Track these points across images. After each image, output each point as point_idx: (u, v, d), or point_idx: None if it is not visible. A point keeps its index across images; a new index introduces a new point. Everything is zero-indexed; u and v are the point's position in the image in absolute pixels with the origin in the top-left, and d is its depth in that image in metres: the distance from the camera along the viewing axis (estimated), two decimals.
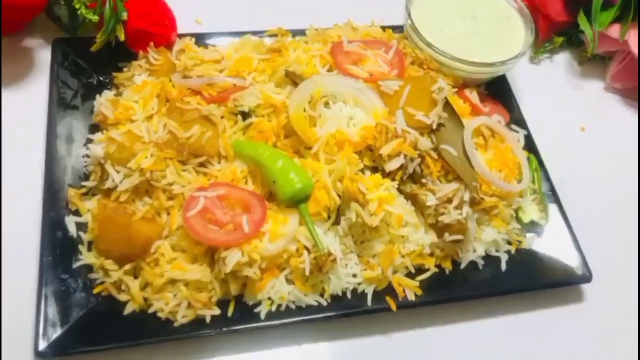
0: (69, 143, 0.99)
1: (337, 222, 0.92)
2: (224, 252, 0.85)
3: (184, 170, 0.93)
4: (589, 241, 1.01)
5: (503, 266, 0.99)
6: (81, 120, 1.02)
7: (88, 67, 1.08)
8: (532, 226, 1.03)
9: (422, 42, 1.09)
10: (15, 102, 1.05)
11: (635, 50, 1.21)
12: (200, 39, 1.13)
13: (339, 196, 0.91)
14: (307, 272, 0.87)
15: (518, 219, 1.02)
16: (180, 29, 1.13)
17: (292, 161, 0.92)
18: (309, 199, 0.90)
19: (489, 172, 0.98)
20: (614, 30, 1.24)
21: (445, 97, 1.01)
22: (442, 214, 0.94)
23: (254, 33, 1.15)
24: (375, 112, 0.97)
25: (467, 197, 0.94)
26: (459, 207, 0.94)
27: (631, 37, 1.22)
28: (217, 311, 0.87)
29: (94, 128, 1.01)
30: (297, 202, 0.89)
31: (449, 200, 0.94)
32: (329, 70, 1.05)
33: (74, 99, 1.04)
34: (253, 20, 1.21)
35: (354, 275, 0.92)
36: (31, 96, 1.06)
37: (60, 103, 1.01)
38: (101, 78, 1.08)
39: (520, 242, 1.02)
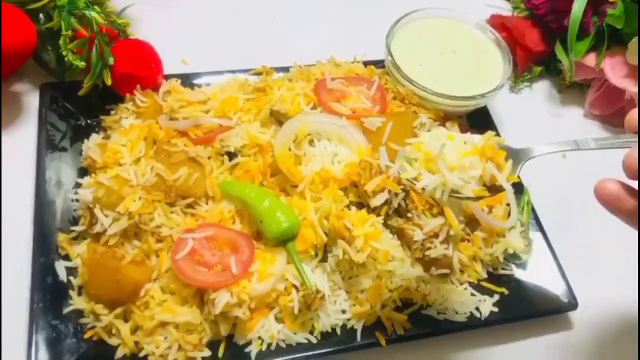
0: (58, 187, 0.99)
1: (324, 259, 0.93)
2: (213, 294, 0.85)
3: (172, 212, 0.94)
4: (572, 269, 1.03)
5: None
6: (70, 163, 1.03)
7: (76, 111, 1.09)
8: (517, 257, 1.04)
9: (403, 77, 1.11)
10: (4, 146, 1.06)
11: (611, 78, 1.24)
12: (186, 79, 1.15)
13: (325, 234, 0.93)
14: (296, 311, 0.88)
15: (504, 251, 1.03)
16: (167, 70, 1.14)
17: (278, 200, 0.93)
18: (296, 238, 0.91)
19: (481, 210, 1.00)
20: (590, 59, 1.27)
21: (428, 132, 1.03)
22: (429, 248, 0.95)
23: (241, 71, 1.18)
24: (359, 149, 0.99)
25: (452, 231, 0.96)
26: (445, 241, 0.95)
27: (606, 65, 1.26)
28: (207, 352, 0.87)
29: (83, 171, 1.02)
30: (284, 241, 0.91)
31: (435, 235, 0.95)
32: (313, 107, 1.07)
33: (63, 142, 1.05)
34: (239, 58, 1.23)
35: (343, 312, 0.93)
36: (20, 141, 1.07)
37: (48, 147, 1.02)
38: (89, 121, 1.10)
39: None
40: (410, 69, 1.12)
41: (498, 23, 1.37)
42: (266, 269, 0.88)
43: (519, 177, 0.91)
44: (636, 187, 0.73)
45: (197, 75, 1.17)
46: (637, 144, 0.70)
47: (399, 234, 0.97)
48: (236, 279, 0.86)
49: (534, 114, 1.35)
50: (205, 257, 0.88)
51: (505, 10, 1.46)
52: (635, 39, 1.20)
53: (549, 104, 1.37)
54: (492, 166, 0.76)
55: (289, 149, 0.98)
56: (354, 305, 0.93)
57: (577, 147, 0.79)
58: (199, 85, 1.14)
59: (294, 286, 0.90)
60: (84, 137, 1.05)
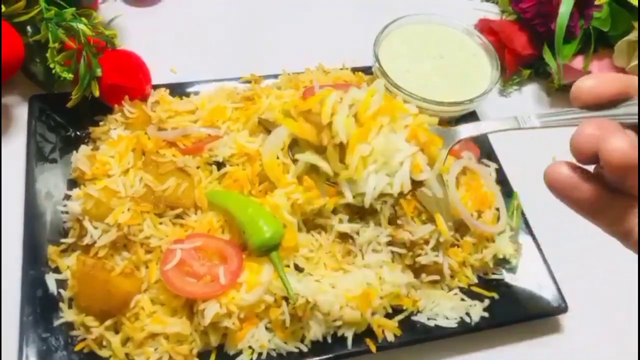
0: (48, 199, 0.99)
1: None
2: (202, 305, 0.85)
3: (160, 223, 0.94)
4: (563, 272, 1.03)
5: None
6: (60, 175, 1.04)
7: (65, 122, 1.10)
8: (507, 262, 1.04)
9: (390, 84, 1.11)
10: None
11: None
12: (175, 88, 1.15)
13: None
14: (288, 324, 0.88)
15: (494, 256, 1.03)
16: (156, 79, 1.15)
17: (261, 208, 0.92)
18: (279, 247, 0.91)
19: (470, 216, 1.00)
20: (578, 62, 1.28)
21: None
22: (419, 255, 0.96)
23: (230, 80, 1.18)
24: None
25: (442, 238, 0.96)
26: (435, 248, 0.95)
27: (594, 68, 1.26)
28: None
29: (73, 183, 1.02)
30: (266, 251, 0.90)
31: (426, 242, 0.96)
32: None
33: (52, 154, 1.06)
34: (228, 66, 1.24)
35: (334, 319, 0.93)
36: (9, 153, 1.07)
37: (38, 159, 1.02)
38: (78, 132, 1.10)
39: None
40: (397, 75, 1.13)
41: (486, 27, 1.38)
42: (254, 279, 0.88)
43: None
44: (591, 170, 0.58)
45: (186, 84, 1.17)
46: (585, 120, 0.54)
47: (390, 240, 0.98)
48: (225, 289, 0.86)
49: None
50: (194, 267, 0.88)
51: (494, 14, 1.47)
52: (621, 42, 1.20)
53: (539, 107, 1.38)
54: (423, 159, 0.69)
55: (277, 157, 0.98)
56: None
57: (518, 125, 0.66)
58: (188, 95, 1.14)
59: (284, 298, 0.90)
60: (73, 149, 1.05)
